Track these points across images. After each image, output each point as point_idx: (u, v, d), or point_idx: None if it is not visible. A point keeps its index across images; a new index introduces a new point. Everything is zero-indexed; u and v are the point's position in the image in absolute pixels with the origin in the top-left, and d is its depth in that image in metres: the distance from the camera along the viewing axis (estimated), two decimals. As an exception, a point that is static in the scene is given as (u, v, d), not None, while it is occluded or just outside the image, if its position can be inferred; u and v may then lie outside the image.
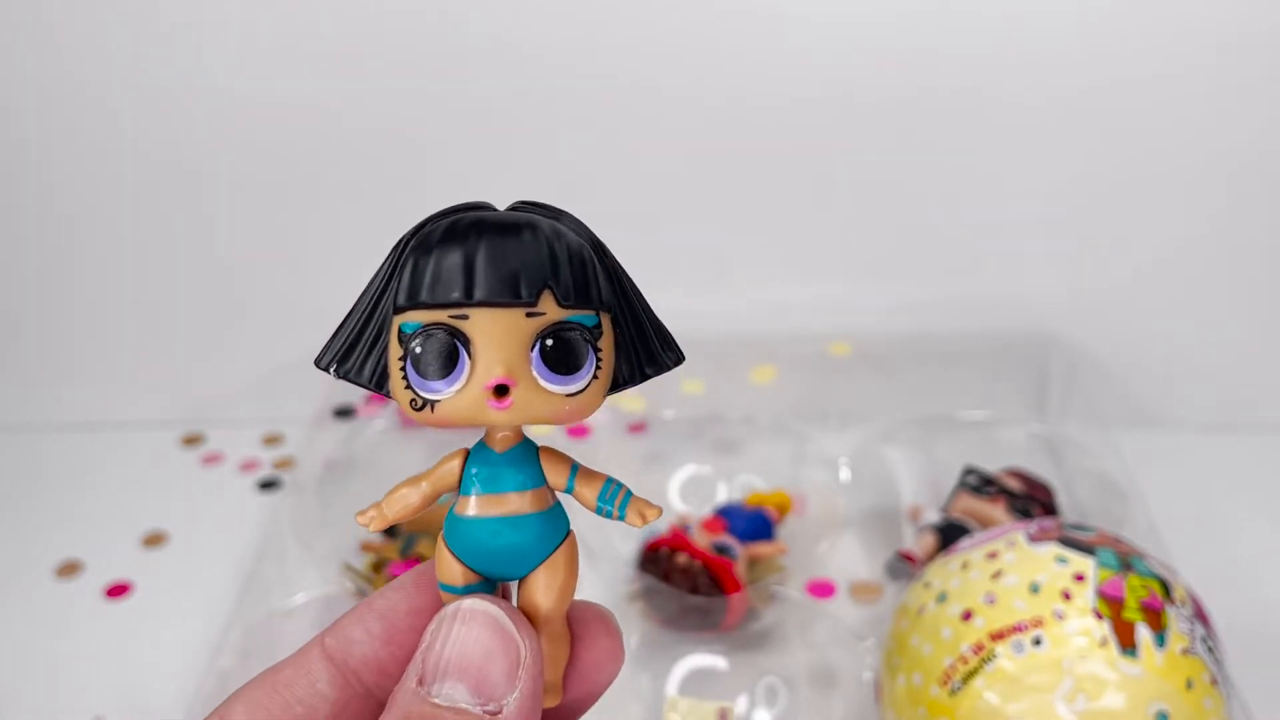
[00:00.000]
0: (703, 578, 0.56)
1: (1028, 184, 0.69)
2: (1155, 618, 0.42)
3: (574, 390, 0.21)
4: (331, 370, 0.22)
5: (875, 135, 0.68)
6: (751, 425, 0.71)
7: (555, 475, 0.22)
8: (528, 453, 0.22)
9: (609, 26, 0.65)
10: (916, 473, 0.68)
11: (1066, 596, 0.43)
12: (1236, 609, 0.50)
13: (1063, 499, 0.65)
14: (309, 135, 0.68)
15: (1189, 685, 0.41)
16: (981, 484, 0.62)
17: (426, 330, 0.20)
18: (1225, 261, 0.71)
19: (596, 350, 0.21)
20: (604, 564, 0.61)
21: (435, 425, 0.21)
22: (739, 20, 0.64)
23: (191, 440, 0.75)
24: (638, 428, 0.70)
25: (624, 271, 0.22)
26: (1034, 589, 0.43)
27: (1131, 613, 0.42)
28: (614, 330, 0.22)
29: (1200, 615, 0.45)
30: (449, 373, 0.20)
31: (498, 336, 0.20)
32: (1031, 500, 0.61)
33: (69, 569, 0.65)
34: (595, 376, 0.21)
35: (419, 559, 0.58)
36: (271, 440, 0.75)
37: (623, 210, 0.71)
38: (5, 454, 0.74)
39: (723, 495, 0.67)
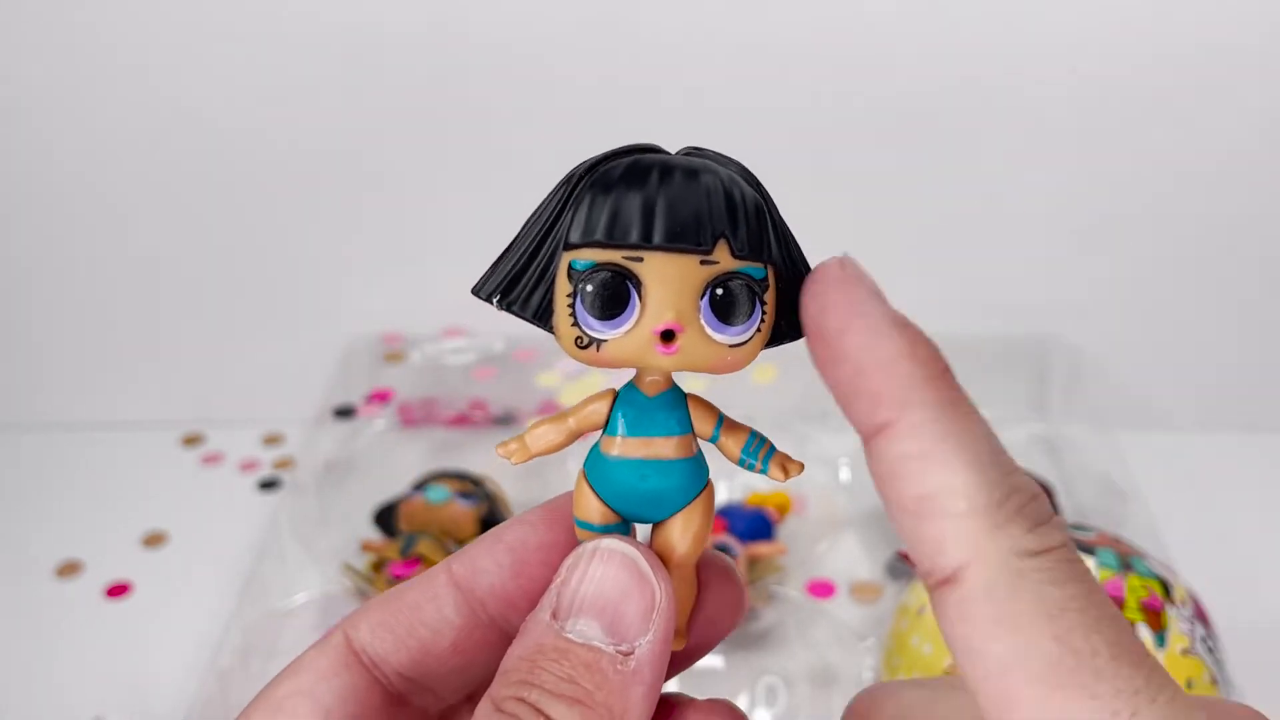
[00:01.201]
0: (703, 578, 0.56)
1: (1029, 184, 0.69)
2: (1155, 618, 0.42)
3: (738, 341, 0.21)
4: (495, 301, 0.22)
5: (876, 136, 0.68)
6: (751, 425, 0.71)
7: (702, 423, 0.23)
8: (677, 399, 0.22)
9: (612, 25, 0.65)
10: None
11: (1066, 596, 0.43)
12: (1236, 609, 0.50)
13: (1063, 499, 0.65)
14: (310, 136, 0.68)
15: (1189, 685, 0.41)
16: (981, 484, 0.62)
17: (599, 269, 0.20)
18: (1225, 262, 0.71)
19: (763, 303, 0.21)
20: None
21: (598, 364, 0.21)
22: (741, 21, 0.64)
23: (191, 440, 0.75)
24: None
25: (789, 228, 0.22)
26: (1034, 589, 0.43)
27: (1131, 613, 0.42)
28: (776, 285, 0.22)
29: (1200, 615, 0.45)
30: (619, 314, 0.20)
31: (670, 282, 0.20)
32: (1031, 500, 0.61)
33: (69, 569, 0.65)
34: (759, 329, 0.21)
35: (419, 559, 0.58)
36: (271, 440, 0.75)
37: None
38: (5, 454, 0.74)
39: (723, 495, 0.67)
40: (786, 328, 0.22)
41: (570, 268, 0.20)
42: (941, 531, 0.18)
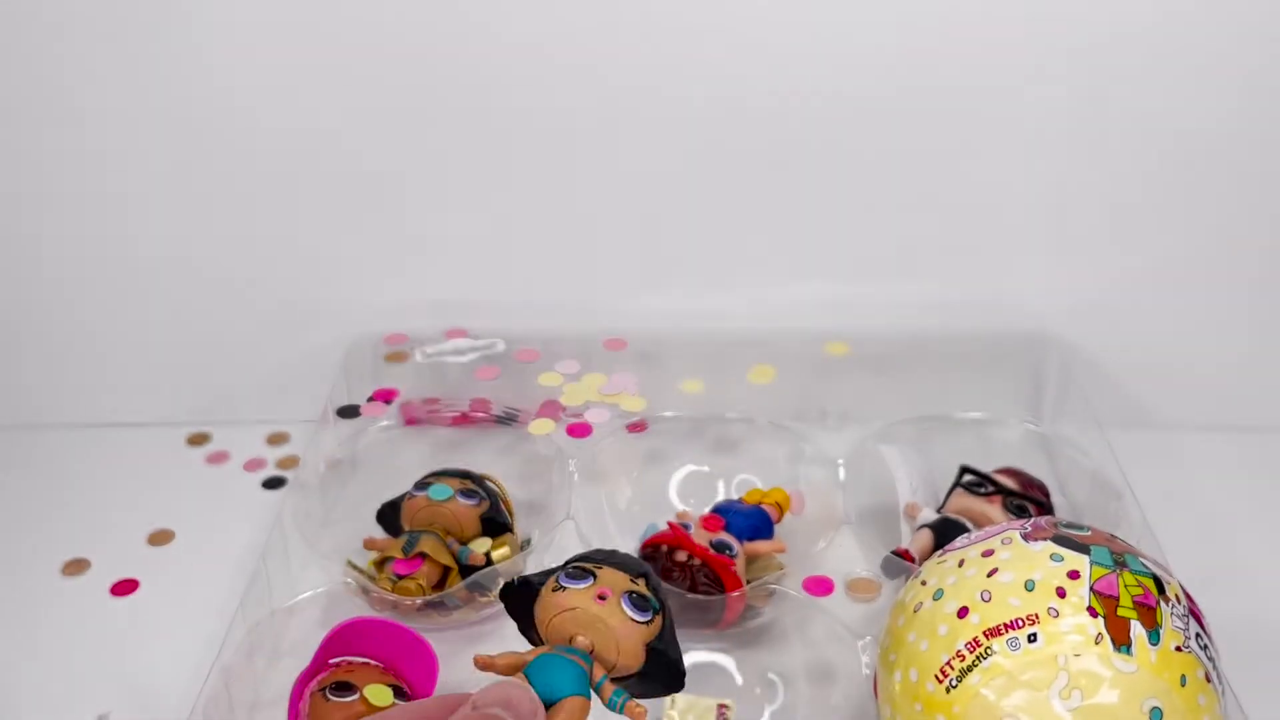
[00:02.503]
0: (702, 575, 0.56)
1: (1024, 185, 0.69)
2: (1149, 615, 0.43)
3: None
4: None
5: (874, 136, 0.68)
6: (750, 425, 0.72)
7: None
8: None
9: (609, 26, 0.65)
10: (914, 472, 0.69)
11: (1061, 594, 0.43)
12: (1229, 606, 0.50)
13: (1058, 498, 0.65)
14: (314, 136, 0.68)
15: (1183, 682, 0.42)
16: (978, 483, 0.63)
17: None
18: (1220, 261, 0.71)
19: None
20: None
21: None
22: (738, 20, 0.65)
23: (197, 439, 0.76)
24: (638, 427, 0.70)
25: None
26: (1029, 586, 0.44)
27: (1125, 610, 0.43)
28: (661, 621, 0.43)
29: (1194, 612, 0.45)
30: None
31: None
32: (1027, 499, 0.62)
33: (75, 567, 0.65)
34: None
35: (421, 557, 0.59)
36: (276, 439, 0.75)
37: (623, 210, 0.71)
38: (13, 452, 0.74)
39: (722, 495, 0.67)
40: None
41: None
42: None
